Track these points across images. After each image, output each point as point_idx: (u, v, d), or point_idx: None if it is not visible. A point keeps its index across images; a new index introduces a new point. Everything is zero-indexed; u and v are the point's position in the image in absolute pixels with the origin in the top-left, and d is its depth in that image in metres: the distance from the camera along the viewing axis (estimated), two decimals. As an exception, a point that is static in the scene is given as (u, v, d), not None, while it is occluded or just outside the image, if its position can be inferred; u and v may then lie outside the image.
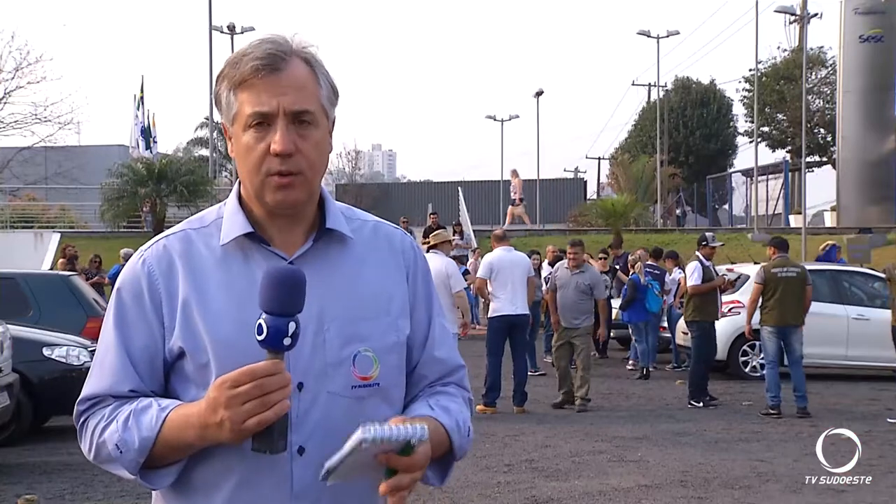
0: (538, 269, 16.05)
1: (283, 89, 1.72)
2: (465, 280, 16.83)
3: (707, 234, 12.90)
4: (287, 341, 1.61)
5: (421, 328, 1.90)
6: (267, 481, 1.72)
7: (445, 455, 1.84)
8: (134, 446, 1.69)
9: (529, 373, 13.52)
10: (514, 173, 32.41)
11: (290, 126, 1.73)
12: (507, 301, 10.97)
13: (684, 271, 16.59)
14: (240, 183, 1.85)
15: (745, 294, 14.20)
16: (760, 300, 11.15)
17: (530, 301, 11.48)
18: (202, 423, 1.64)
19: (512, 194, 31.81)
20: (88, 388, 1.79)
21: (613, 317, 16.78)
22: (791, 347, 11.03)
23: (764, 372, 13.94)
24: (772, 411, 10.88)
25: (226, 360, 1.69)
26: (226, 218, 1.81)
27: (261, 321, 1.60)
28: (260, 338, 1.60)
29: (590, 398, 11.34)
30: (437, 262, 10.80)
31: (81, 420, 1.79)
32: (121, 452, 1.70)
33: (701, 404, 11.47)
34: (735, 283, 13.83)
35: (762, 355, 14.10)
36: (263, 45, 1.74)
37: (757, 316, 11.28)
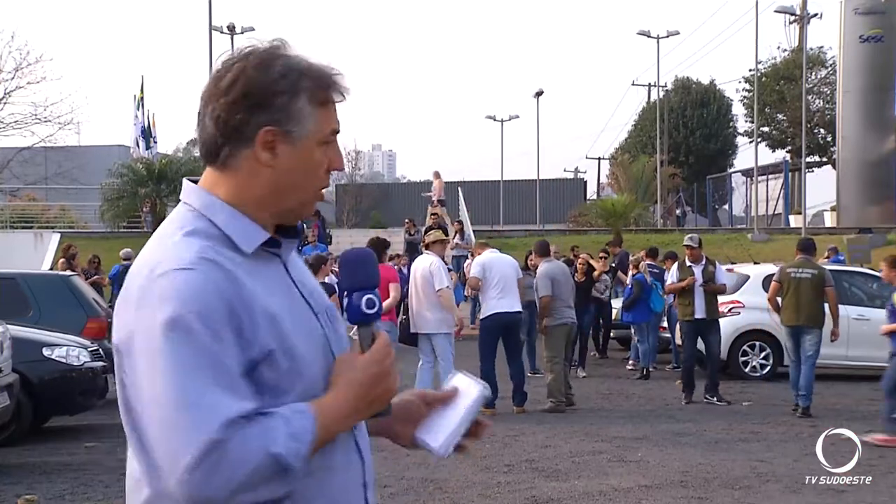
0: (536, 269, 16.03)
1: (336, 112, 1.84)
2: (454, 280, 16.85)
3: (688, 236, 12.93)
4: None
5: None
6: (341, 447, 1.78)
7: None
8: (302, 458, 1.62)
9: (529, 374, 13.53)
10: (437, 175, 33.13)
11: None
12: (498, 300, 10.96)
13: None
14: (207, 193, 1.77)
15: (745, 294, 14.24)
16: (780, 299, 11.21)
17: (522, 301, 11.49)
18: (357, 405, 1.73)
19: (433, 196, 32.05)
20: (218, 416, 1.57)
21: (613, 317, 16.84)
22: (802, 347, 11.08)
23: (764, 372, 14.05)
24: (796, 408, 10.95)
25: (310, 361, 1.73)
26: (233, 228, 1.74)
27: (370, 296, 1.79)
28: (372, 311, 1.78)
29: (559, 399, 11.24)
30: (424, 262, 10.86)
31: (222, 448, 1.56)
32: (292, 466, 1.61)
33: (714, 399, 11.68)
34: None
35: (762, 355, 14.17)
36: (323, 62, 1.81)
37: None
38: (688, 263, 12.21)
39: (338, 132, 1.81)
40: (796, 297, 11.00)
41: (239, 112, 1.73)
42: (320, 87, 1.76)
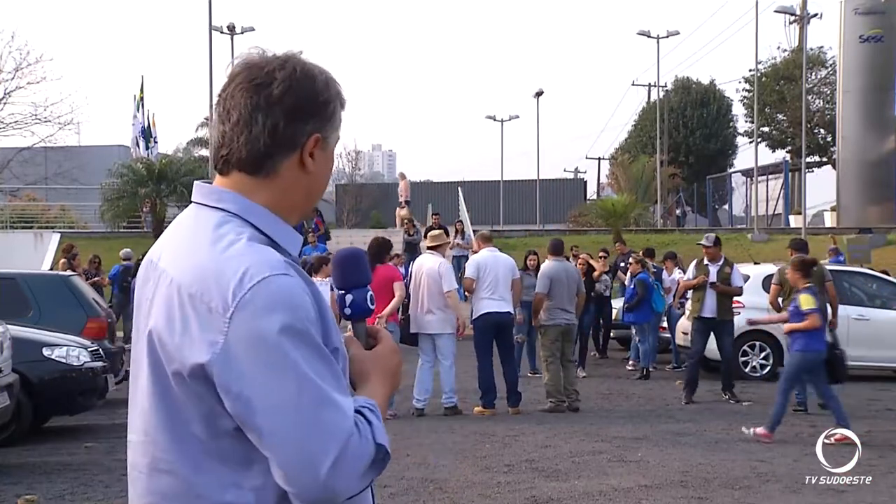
0: (536, 269, 16.02)
1: None
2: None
3: (705, 235, 13.01)
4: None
5: None
6: None
7: None
8: (389, 443, 1.77)
9: (529, 374, 13.52)
10: (402, 176, 33.52)
11: None
12: (488, 300, 10.93)
13: (684, 272, 16.66)
14: (241, 197, 1.77)
15: (745, 294, 14.15)
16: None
17: (517, 301, 11.44)
18: (389, 393, 1.87)
19: (399, 197, 32.20)
20: (347, 414, 1.66)
21: (613, 317, 16.85)
22: None
23: (764, 372, 14.03)
24: (799, 407, 10.98)
25: (345, 356, 1.82)
26: (276, 232, 1.78)
27: (371, 293, 1.91)
28: (373, 307, 1.92)
29: (558, 399, 11.25)
30: (432, 262, 10.83)
31: (353, 444, 1.66)
32: (389, 454, 1.76)
33: (728, 397, 11.81)
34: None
35: (762, 355, 14.16)
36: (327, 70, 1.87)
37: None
38: (705, 262, 12.28)
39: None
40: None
41: (295, 121, 1.75)
42: (341, 95, 1.85)
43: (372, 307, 1.92)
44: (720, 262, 12.23)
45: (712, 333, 12.29)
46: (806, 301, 9.24)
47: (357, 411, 1.69)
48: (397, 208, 32.55)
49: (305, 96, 1.76)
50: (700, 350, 12.28)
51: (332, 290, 12.14)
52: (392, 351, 1.89)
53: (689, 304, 14.91)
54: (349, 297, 1.89)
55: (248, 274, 1.63)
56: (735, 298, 12.66)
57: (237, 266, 1.64)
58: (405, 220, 31.13)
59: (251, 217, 1.75)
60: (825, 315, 10.27)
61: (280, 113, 1.74)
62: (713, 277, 12.06)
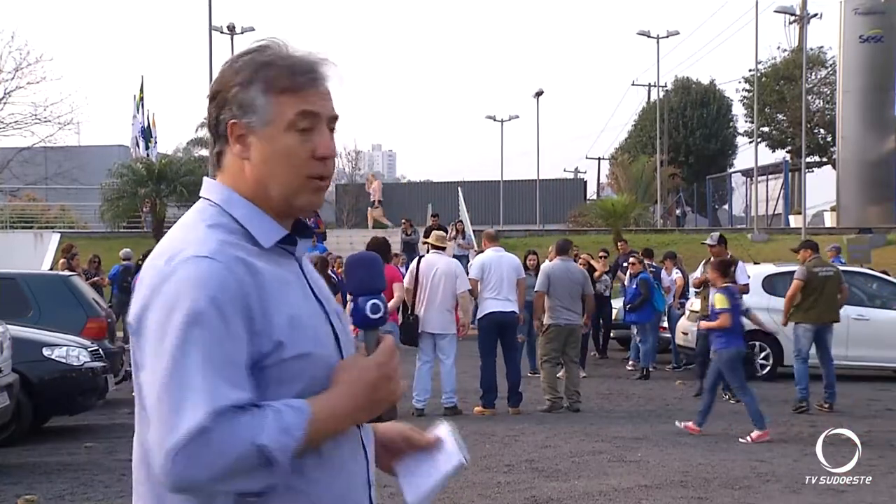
0: (536, 269, 16.03)
1: (324, 95, 1.80)
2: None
3: (710, 234, 13.12)
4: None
5: None
6: (357, 454, 1.83)
7: None
8: (289, 453, 1.63)
9: (529, 374, 13.51)
10: (374, 176, 33.74)
11: (328, 132, 1.81)
12: (494, 299, 10.94)
13: (683, 272, 16.66)
14: (227, 189, 1.80)
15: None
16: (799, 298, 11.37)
17: (522, 301, 11.46)
18: (356, 407, 1.73)
19: (371, 197, 32.28)
20: (209, 403, 1.59)
21: (613, 317, 16.85)
22: (826, 345, 11.30)
23: (765, 372, 14.02)
24: (801, 405, 11.04)
25: (321, 354, 1.76)
26: (252, 223, 1.77)
27: (375, 301, 1.80)
28: (376, 316, 1.79)
29: (554, 397, 11.24)
30: (446, 262, 10.88)
31: (200, 442, 1.58)
32: (278, 459, 1.62)
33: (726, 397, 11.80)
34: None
35: (762, 355, 14.15)
36: (302, 52, 1.79)
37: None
38: (713, 261, 12.36)
39: (313, 113, 1.77)
40: (825, 295, 11.25)
41: (213, 111, 1.81)
42: (279, 75, 1.76)
43: (374, 317, 1.80)
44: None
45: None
46: (720, 301, 9.59)
47: (258, 406, 1.62)
48: (369, 208, 32.70)
49: (220, 85, 1.79)
50: (704, 347, 12.32)
51: (339, 290, 12.19)
52: (376, 364, 1.75)
53: (689, 304, 14.97)
54: (350, 304, 1.85)
55: (179, 253, 1.68)
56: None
57: (175, 247, 1.71)
58: (376, 221, 31.32)
59: (230, 207, 1.78)
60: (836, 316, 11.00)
61: (210, 106, 1.81)
62: None
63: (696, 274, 12.90)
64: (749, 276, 14.60)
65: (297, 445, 1.64)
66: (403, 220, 26.36)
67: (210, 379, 1.60)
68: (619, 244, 19.56)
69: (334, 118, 1.82)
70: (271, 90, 1.76)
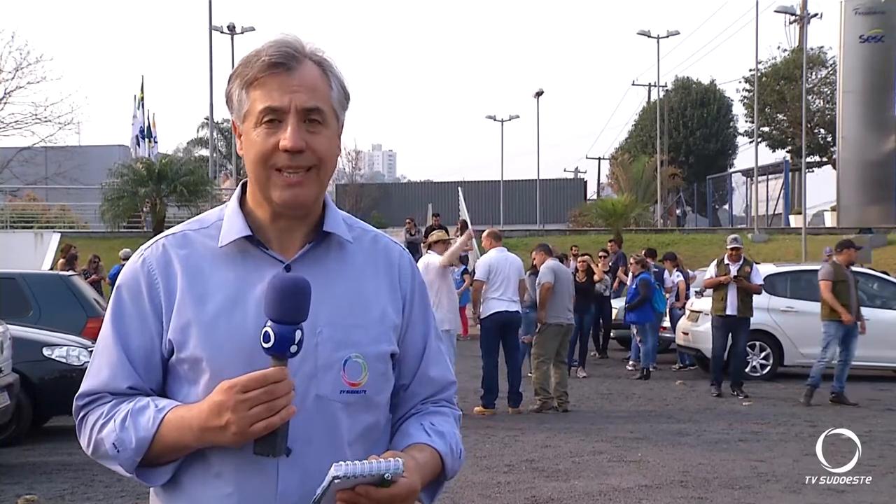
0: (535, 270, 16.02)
1: (295, 87, 1.74)
2: (464, 280, 16.83)
3: (731, 237, 13.49)
4: (293, 349, 1.63)
5: (416, 348, 1.92)
6: (254, 480, 1.73)
7: (437, 477, 1.86)
8: (131, 446, 1.72)
9: (529, 374, 13.52)
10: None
11: (300, 124, 1.74)
12: (498, 300, 10.97)
13: (683, 272, 16.66)
14: (243, 185, 1.86)
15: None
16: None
17: (522, 301, 11.47)
18: (202, 425, 1.67)
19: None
20: (87, 384, 1.81)
21: (613, 317, 16.85)
22: (850, 343, 11.55)
23: (765, 372, 14.03)
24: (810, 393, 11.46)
25: (218, 361, 1.72)
26: (226, 220, 1.82)
27: (267, 329, 1.63)
28: (267, 345, 1.62)
29: (545, 397, 11.27)
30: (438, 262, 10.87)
31: (80, 416, 1.82)
32: (118, 451, 1.73)
33: (736, 394, 12.10)
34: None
35: (762, 355, 14.15)
36: (277, 45, 1.76)
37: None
38: (725, 261, 12.67)
39: (274, 108, 1.72)
40: (852, 295, 11.49)
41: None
42: (250, 70, 1.77)
43: (265, 345, 1.62)
44: (740, 262, 12.62)
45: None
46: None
47: (129, 397, 1.77)
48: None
49: (228, 85, 1.83)
50: (722, 346, 12.65)
51: None
52: (227, 387, 1.63)
53: (689, 304, 15.00)
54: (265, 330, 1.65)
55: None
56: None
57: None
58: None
59: (230, 201, 1.86)
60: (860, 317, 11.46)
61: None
62: (734, 274, 12.49)
63: (709, 275, 12.93)
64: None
65: (136, 445, 1.72)
66: (407, 220, 26.35)
67: (103, 365, 1.80)
68: (609, 243, 19.49)
69: (309, 110, 1.74)
70: (245, 86, 1.77)
